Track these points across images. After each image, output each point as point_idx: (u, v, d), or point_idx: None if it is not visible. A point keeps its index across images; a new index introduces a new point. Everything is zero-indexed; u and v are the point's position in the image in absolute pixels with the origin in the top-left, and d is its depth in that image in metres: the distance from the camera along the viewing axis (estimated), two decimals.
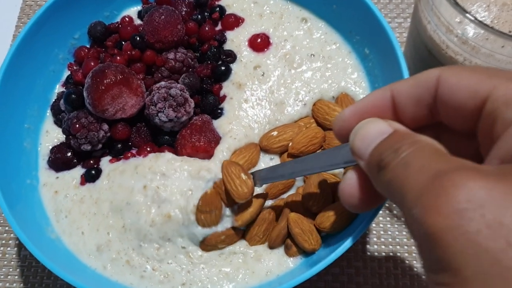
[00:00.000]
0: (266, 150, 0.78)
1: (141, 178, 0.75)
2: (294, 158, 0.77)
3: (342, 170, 0.75)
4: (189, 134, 0.77)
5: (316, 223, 0.71)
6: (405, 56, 0.87)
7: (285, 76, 0.85)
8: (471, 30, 0.66)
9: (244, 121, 0.81)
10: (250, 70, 0.85)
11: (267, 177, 0.70)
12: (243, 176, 0.70)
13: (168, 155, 0.77)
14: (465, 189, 0.36)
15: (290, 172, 0.67)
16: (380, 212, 0.89)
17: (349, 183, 0.53)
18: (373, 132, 0.49)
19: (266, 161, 0.78)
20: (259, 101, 0.83)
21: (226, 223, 0.73)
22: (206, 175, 0.74)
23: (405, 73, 0.72)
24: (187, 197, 0.73)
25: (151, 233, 0.73)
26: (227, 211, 0.73)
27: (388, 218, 0.91)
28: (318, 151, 0.68)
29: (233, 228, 0.73)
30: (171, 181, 0.74)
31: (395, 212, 0.91)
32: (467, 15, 0.63)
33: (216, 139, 0.79)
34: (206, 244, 0.74)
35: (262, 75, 0.85)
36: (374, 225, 0.90)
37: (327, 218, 0.69)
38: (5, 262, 0.90)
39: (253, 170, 0.76)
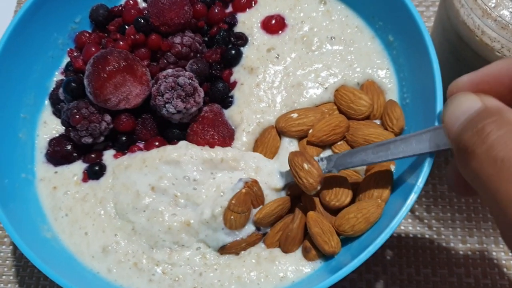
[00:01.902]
0: (282, 132, 0.72)
1: (150, 174, 0.70)
2: (314, 146, 0.70)
3: (364, 167, 0.69)
4: (201, 129, 0.72)
5: (335, 225, 0.65)
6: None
7: (303, 58, 0.79)
8: (508, 15, 0.59)
9: (257, 107, 0.75)
10: (263, 52, 0.79)
11: (346, 163, 0.64)
12: (306, 166, 0.63)
13: (181, 143, 0.72)
14: None
15: (373, 157, 0.61)
16: None
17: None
18: (462, 107, 0.44)
19: (284, 146, 0.72)
20: (273, 84, 0.77)
21: (250, 228, 0.68)
22: (229, 162, 0.70)
23: (435, 64, 0.66)
24: (214, 199, 0.68)
25: (164, 239, 0.68)
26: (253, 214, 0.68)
27: (409, 220, 0.83)
28: (405, 135, 0.63)
29: (255, 234, 0.68)
30: (182, 171, 0.69)
31: (417, 213, 0.84)
32: None
33: (230, 133, 0.73)
34: (225, 251, 0.69)
35: (277, 57, 0.79)
36: (409, 237, 0.83)
37: (347, 220, 0.64)
38: (0, 261, 0.85)
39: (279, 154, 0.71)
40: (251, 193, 0.67)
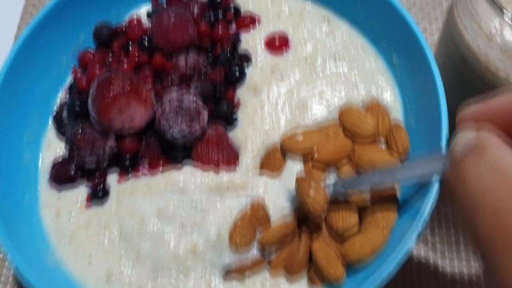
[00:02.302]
0: (288, 150, 0.71)
1: (155, 200, 0.69)
2: (319, 170, 0.70)
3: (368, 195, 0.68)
4: (205, 152, 0.71)
5: (341, 254, 0.64)
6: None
7: (307, 78, 0.78)
8: None
9: (261, 128, 0.75)
10: (267, 73, 0.79)
11: (352, 188, 0.65)
12: (311, 193, 0.63)
13: (186, 169, 0.71)
14: None
15: (378, 181, 0.62)
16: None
17: None
18: (463, 141, 0.45)
19: (289, 166, 0.71)
20: (277, 105, 0.76)
21: (255, 251, 0.67)
22: (236, 190, 0.69)
23: (440, 86, 0.66)
24: (221, 221, 0.68)
25: (169, 266, 0.68)
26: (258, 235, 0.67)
27: (430, 253, 0.81)
28: (409, 162, 0.64)
29: (260, 259, 0.67)
30: (189, 200, 0.69)
31: (438, 246, 0.82)
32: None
33: (234, 156, 0.73)
34: (231, 273, 0.68)
35: (281, 78, 0.78)
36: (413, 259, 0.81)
37: (353, 250, 0.63)
38: (0, 286, 0.83)
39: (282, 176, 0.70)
40: (256, 214, 0.67)
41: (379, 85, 0.77)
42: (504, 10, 0.57)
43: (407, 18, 0.72)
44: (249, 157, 0.73)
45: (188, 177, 0.70)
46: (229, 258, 0.67)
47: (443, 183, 0.50)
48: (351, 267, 0.65)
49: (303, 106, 0.76)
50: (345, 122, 0.73)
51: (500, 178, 0.38)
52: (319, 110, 0.75)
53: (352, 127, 0.72)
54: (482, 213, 0.37)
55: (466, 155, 0.42)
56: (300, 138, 0.71)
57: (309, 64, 0.79)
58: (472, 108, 0.49)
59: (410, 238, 0.58)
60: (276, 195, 0.69)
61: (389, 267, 0.58)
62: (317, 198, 0.62)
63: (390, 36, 0.77)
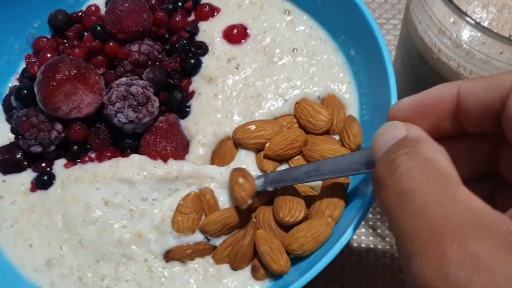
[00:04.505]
0: (239, 144, 0.71)
1: (102, 189, 0.68)
2: (271, 160, 0.69)
3: (320, 182, 0.67)
4: (153, 140, 0.70)
5: (285, 244, 0.63)
6: (395, 61, 0.79)
7: (264, 69, 0.77)
8: (466, 33, 0.58)
9: (213, 118, 0.73)
10: (223, 62, 0.78)
11: (279, 180, 0.64)
12: (240, 180, 0.64)
13: (133, 158, 0.69)
14: (469, 265, 0.31)
15: (305, 176, 0.61)
16: (363, 230, 0.82)
17: None
18: (388, 136, 0.44)
19: (240, 158, 0.70)
20: (232, 95, 0.75)
21: (198, 236, 0.66)
22: (185, 180, 0.69)
23: (392, 81, 0.65)
24: (166, 208, 0.67)
25: (113, 252, 0.66)
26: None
27: (371, 238, 0.81)
28: (337, 156, 0.63)
29: (203, 243, 0.66)
30: (138, 191, 0.68)
31: (379, 231, 0.82)
32: (462, 15, 0.55)
33: (184, 145, 0.71)
34: (170, 257, 0.67)
35: (237, 67, 0.77)
36: (355, 244, 0.81)
37: (296, 239, 0.62)
38: None
39: (233, 166, 0.69)
40: (201, 198, 0.66)
41: (337, 79, 0.76)
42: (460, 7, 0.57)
43: (364, 12, 0.71)
44: (200, 147, 0.71)
45: (135, 169, 0.68)
46: (170, 240, 0.66)
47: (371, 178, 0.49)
48: (296, 256, 0.64)
49: (258, 97, 0.75)
50: (300, 114, 0.72)
51: (431, 170, 0.37)
52: (275, 101, 0.74)
53: (306, 119, 0.72)
54: (410, 206, 0.36)
55: (396, 149, 0.41)
56: (252, 128, 0.70)
57: (267, 55, 0.78)
58: (405, 101, 0.48)
59: (352, 227, 0.57)
60: (225, 184, 0.68)
61: (331, 256, 0.57)
62: (245, 186, 0.63)
63: (348, 30, 0.76)
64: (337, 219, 0.63)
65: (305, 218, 0.65)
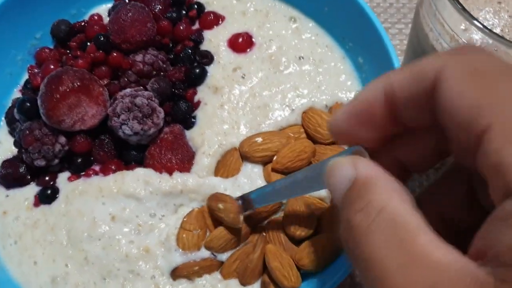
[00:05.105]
0: (246, 158, 0.69)
1: (108, 203, 0.67)
2: (279, 173, 0.68)
3: (329, 194, 0.65)
4: (158, 152, 0.69)
5: (295, 259, 0.61)
6: None
7: (270, 78, 0.76)
8: (478, 40, 0.56)
9: (219, 129, 0.72)
10: (229, 72, 0.76)
11: (263, 199, 0.60)
12: (220, 206, 0.62)
13: (138, 172, 0.68)
14: None
15: (287, 194, 0.58)
16: None
17: None
18: (337, 179, 0.40)
19: (247, 171, 0.69)
20: (238, 105, 0.74)
21: (204, 252, 0.65)
22: (188, 194, 0.67)
23: None
24: (172, 223, 0.66)
25: (119, 268, 0.65)
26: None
27: None
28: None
29: (210, 259, 0.65)
30: (146, 207, 0.67)
31: None
32: (474, 22, 0.53)
33: (189, 157, 0.70)
34: (177, 274, 0.65)
35: (243, 77, 0.76)
36: None
37: (307, 254, 0.60)
38: None
39: (239, 179, 0.68)
40: (204, 214, 0.65)
41: (345, 87, 0.75)
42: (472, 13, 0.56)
43: (372, 18, 0.70)
44: (205, 157, 0.70)
45: (142, 182, 0.67)
46: (177, 258, 0.64)
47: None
48: (307, 271, 0.62)
49: (264, 107, 0.73)
50: (308, 123, 0.71)
51: (387, 227, 0.34)
52: (282, 111, 0.73)
53: (314, 128, 0.70)
54: (372, 274, 0.34)
55: (349, 203, 0.38)
56: (259, 140, 0.69)
57: (273, 64, 0.77)
58: (340, 114, 0.44)
59: None
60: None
61: (344, 273, 0.56)
62: (228, 207, 0.61)
63: (356, 37, 0.74)
64: None
65: (316, 231, 0.64)
